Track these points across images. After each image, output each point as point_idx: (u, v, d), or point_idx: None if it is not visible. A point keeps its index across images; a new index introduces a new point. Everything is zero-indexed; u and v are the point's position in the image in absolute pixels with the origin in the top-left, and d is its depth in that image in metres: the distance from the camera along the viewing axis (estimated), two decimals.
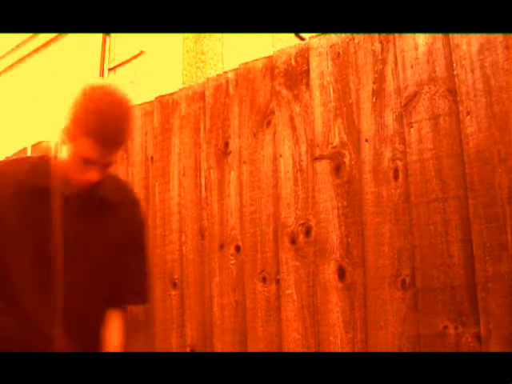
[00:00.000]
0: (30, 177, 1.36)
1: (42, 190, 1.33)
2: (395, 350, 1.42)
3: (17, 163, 1.44)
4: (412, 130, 1.49)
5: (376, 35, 1.60)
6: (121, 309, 1.39)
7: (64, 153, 1.30)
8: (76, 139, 1.22)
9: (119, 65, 6.42)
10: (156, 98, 2.13)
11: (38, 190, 1.33)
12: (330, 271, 1.56)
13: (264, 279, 1.69)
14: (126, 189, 1.52)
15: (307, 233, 1.63)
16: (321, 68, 1.69)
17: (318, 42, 1.71)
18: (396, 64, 1.55)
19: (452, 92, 1.44)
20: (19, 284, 1.30)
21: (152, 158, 2.07)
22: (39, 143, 2.57)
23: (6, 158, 1.46)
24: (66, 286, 1.27)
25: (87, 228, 1.36)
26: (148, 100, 2.17)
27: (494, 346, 1.28)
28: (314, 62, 1.71)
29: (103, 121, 1.22)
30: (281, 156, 1.73)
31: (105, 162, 1.26)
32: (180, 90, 2.08)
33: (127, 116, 1.26)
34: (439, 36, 1.48)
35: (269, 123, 1.78)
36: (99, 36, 6.65)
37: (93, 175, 1.26)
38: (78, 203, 1.34)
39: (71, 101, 1.24)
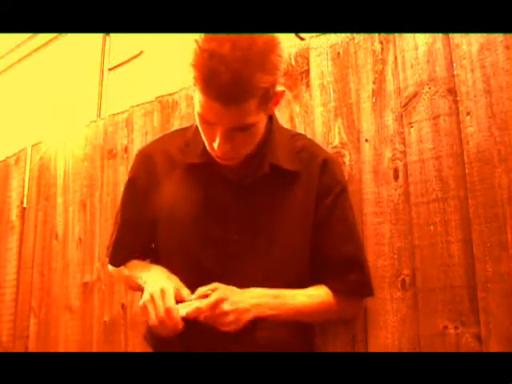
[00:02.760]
0: (185, 154, 1.18)
1: (197, 167, 1.15)
2: (395, 350, 1.42)
3: (170, 139, 1.26)
4: (412, 130, 1.49)
5: (376, 35, 1.60)
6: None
7: None
8: (196, 92, 0.99)
9: (119, 65, 6.41)
10: (156, 98, 2.13)
11: (193, 168, 1.16)
12: None
13: None
14: (309, 149, 1.22)
15: None
16: (321, 68, 1.69)
17: (318, 42, 1.71)
18: (396, 64, 1.55)
19: (452, 92, 1.44)
20: (181, 273, 1.16)
21: None
22: (39, 143, 2.58)
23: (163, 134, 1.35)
24: (236, 280, 1.12)
25: (259, 209, 1.15)
26: (148, 100, 2.17)
27: (494, 346, 1.28)
28: (314, 62, 1.71)
29: (212, 62, 0.90)
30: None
31: (233, 127, 0.98)
32: (180, 89, 2.08)
33: (255, 55, 0.92)
34: (439, 36, 1.48)
35: None
36: (99, 36, 6.65)
37: (220, 145, 0.99)
38: (245, 177, 1.13)
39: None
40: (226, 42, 0.91)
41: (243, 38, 0.93)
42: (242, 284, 1.14)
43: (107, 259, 1.42)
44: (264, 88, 0.97)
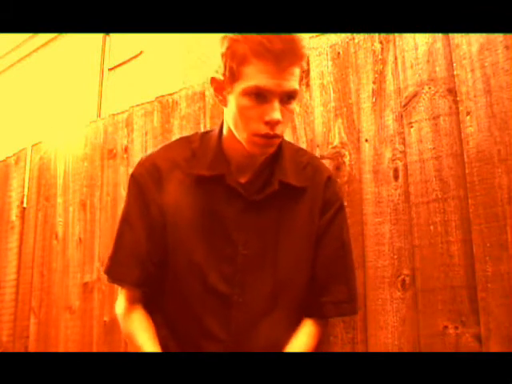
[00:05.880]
0: (192, 165, 1.18)
1: (206, 179, 1.15)
2: (395, 350, 1.42)
3: (175, 149, 1.23)
4: (412, 130, 1.49)
5: (376, 35, 1.60)
6: (318, 319, 1.22)
7: (227, 117, 1.13)
8: (239, 75, 1.04)
9: (119, 65, 6.41)
10: (156, 98, 2.13)
11: (202, 180, 1.16)
12: None
13: None
14: (313, 165, 1.26)
15: None
16: (321, 68, 1.70)
17: (318, 42, 1.71)
18: (396, 64, 1.55)
19: (452, 92, 1.44)
20: (189, 287, 1.16)
21: None
22: (39, 143, 2.58)
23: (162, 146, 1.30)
24: (244, 295, 1.14)
25: (267, 225, 1.16)
26: (148, 100, 2.17)
27: (494, 346, 1.28)
28: (313, 62, 1.71)
29: (262, 37, 1.01)
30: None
31: (284, 91, 1.05)
32: (180, 89, 2.08)
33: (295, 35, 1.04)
34: (439, 36, 1.48)
35: None
36: (99, 36, 6.65)
37: (274, 114, 1.04)
38: (254, 193, 1.15)
39: (220, 47, 1.07)
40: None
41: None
42: (251, 299, 1.15)
43: (108, 276, 1.26)
44: (304, 58, 1.07)
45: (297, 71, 1.06)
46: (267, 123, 1.05)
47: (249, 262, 1.16)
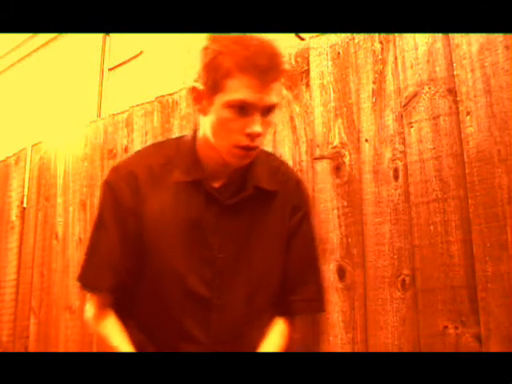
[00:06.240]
0: (168, 171, 1.19)
1: (183, 185, 1.17)
2: (395, 350, 1.42)
3: (150, 155, 1.25)
4: (412, 130, 1.49)
5: (376, 35, 1.60)
6: (289, 317, 1.25)
7: (205, 126, 1.14)
8: (222, 88, 1.06)
9: (119, 65, 6.41)
10: (156, 98, 2.13)
11: (179, 185, 1.18)
12: (330, 271, 1.56)
13: None
14: (284, 170, 1.30)
15: None
16: (321, 68, 1.70)
17: (318, 42, 1.71)
18: (396, 64, 1.55)
19: (452, 92, 1.44)
20: (168, 291, 1.18)
21: None
22: (39, 143, 2.58)
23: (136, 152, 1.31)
24: (223, 297, 1.17)
25: (242, 228, 1.19)
26: (148, 100, 2.17)
27: (494, 346, 1.28)
28: (313, 62, 1.71)
29: (249, 45, 1.04)
30: (281, 156, 1.73)
31: (266, 105, 1.07)
32: (180, 89, 2.08)
33: (272, 43, 1.07)
34: (439, 36, 1.48)
35: None
36: (99, 36, 6.64)
37: (256, 127, 1.07)
38: (228, 197, 1.18)
39: (199, 55, 1.10)
40: (246, 37, 1.05)
41: (255, 37, 1.06)
42: (227, 301, 1.17)
43: (80, 283, 1.28)
44: (284, 74, 1.11)
45: (277, 86, 1.10)
46: (248, 135, 1.08)
47: (226, 265, 1.18)
